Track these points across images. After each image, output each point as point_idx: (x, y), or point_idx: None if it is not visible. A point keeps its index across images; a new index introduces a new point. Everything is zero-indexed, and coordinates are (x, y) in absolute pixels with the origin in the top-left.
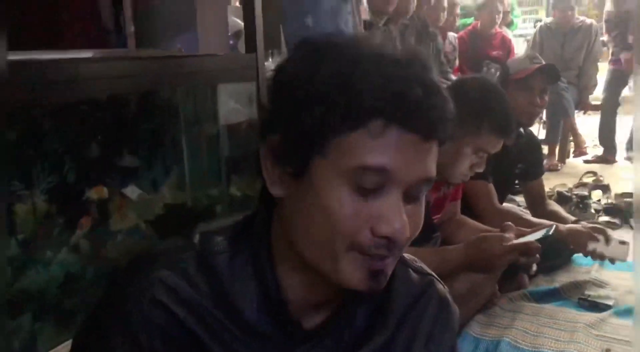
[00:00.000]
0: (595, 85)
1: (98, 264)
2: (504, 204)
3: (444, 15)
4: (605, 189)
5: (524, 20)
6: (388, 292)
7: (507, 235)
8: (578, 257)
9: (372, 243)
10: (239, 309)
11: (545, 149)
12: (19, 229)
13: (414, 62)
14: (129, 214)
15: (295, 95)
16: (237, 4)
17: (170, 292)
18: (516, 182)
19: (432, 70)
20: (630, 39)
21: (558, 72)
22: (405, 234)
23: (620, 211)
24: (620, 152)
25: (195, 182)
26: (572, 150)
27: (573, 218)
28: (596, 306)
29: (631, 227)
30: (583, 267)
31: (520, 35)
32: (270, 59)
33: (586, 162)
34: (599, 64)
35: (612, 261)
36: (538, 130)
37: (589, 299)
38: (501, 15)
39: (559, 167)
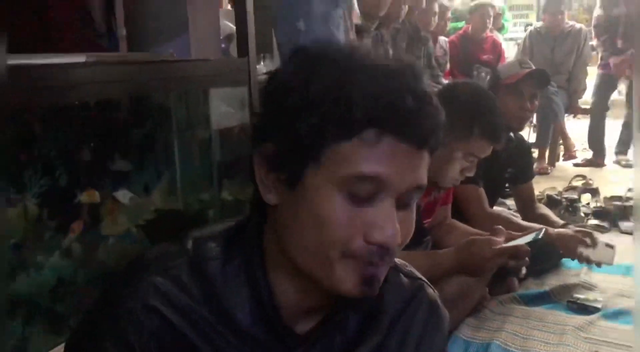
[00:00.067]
0: (584, 89)
1: (90, 268)
2: (494, 208)
3: (435, 20)
4: (594, 192)
5: (515, 24)
6: (379, 297)
7: (496, 239)
8: (567, 260)
9: (365, 250)
10: (232, 315)
11: (535, 153)
12: (10, 233)
13: (406, 72)
14: (120, 219)
15: (290, 104)
16: (229, 7)
17: (164, 298)
18: (506, 185)
19: (423, 80)
20: (619, 43)
21: (548, 77)
22: (397, 240)
23: (609, 214)
24: (609, 156)
25: (187, 186)
26: (562, 153)
27: (562, 222)
28: (585, 309)
29: (620, 231)
30: (572, 270)
31: (511, 39)
32: (262, 63)
33: (576, 165)
34: (588, 68)
35: (599, 264)
36: (528, 134)
37: (578, 302)
38: (492, 19)
39: (549, 171)
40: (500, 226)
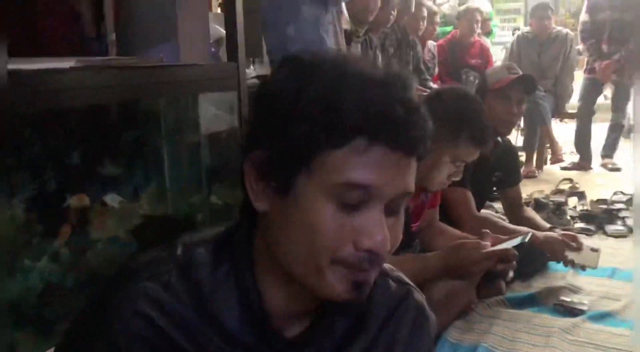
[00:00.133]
0: (571, 93)
1: (78, 272)
2: (482, 211)
3: (423, 24)
4: (581, 195)
5: (502, 28)
6: (367, 302)
7: (484, 242)
8: (554, 263)
9: (355, 256)
10: (221, 320)
11: (523, 156)
12: None
13: (396, 82)
14: (109, 223)
15: (281, 112)
16: (219, 10)
17: (154, 304)
18: (494, 189)
19: (412, 89)
20: (604, 48)
21: (535, 82)
22: (386, 246)
23: (595, 218)
24: (596, 160)
25: (176, 190)
26: (549, 157)
27: (548, 225)
28: (571, 311)
29: (606, 234)
30: (559, 273)
31: (499, 43)
32: (251, 67)
33: (563, 169)
34: (575, 72)
35: (583, 267)
36: (516, 137)
37: (564, 304)
38: (480, 24)
39: (537, 174)
40: (487, 230)
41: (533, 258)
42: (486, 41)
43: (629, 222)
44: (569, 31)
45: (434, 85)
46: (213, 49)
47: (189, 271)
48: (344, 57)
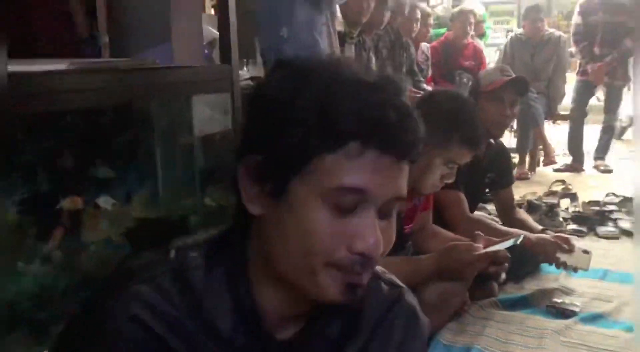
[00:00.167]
0: (563, 95)
1: (71, 275)
2: (475, 213)
3: (417, 26)
4: (573, 197)
5: (496, 30)
6: (360, 304)
7: (476, 244)
8: (546, 265)
9: (348, 259)
10: (215, 323)
11: (516, 158)
12: None
13: (388, 87)
14: (102, 225)
15: (276, 117)
16: (212, 11)
17: (147, 308)
18: (487, 190)
19: (404, 94)
20: (597, 50)
21: (528, 84)
22: (379, 249)
23: (587, 219)
24: (588, 161)
25: (169, 192)
26: (542, 159)
27: (540, 227)
28: (563, 313)
29: (597, 235)
30: (551, 274)
31: (492, 45)
32: (245, 68)
33: (556, 170)
34: (568, 74)
35: (575, 269)
36: (509, 139)
37: (557, 306)
38: (473, 26)
39: (529, 176)
40: (480, 232)
41: (525, 260)
42: (479, 43)
43: (621, 223)
44: (562, 33)
45: (428, 87)
46: (206, 51)
47: (182, 274)
48: (337, 62)
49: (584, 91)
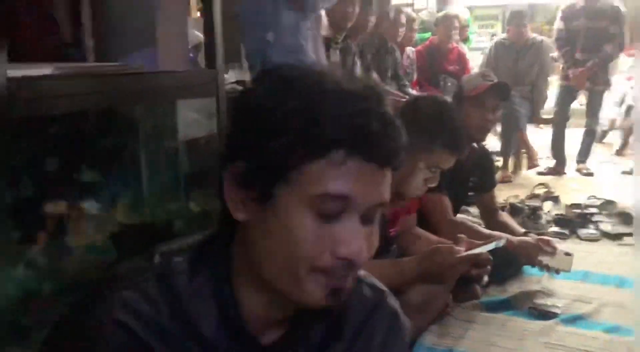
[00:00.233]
0: (545, 99)
1: (55, 280)
2: (459, 216)
3: (402, 31)
4: (556, 200)
5: (480, 34)
6: (343, 308)
7: (458, 247)
8: (528, 267)
9: (333, 265)
10: (199, 328)
11: (499, 161)
12: None
13: (371, 96)
14: (86, 230)
15: (261, 125)
16: (198, 14)
17: (132, 313)
18: (470, 194)
19: (387, 102)
20: (578, 55)
21: (509, 89)
22: (363, 255)
23: (570, 222)
24: (571, 164)
25: (154, 197)
26: (526, 162)
27: (523, 230)
28: (545, 315)
29: (579, 238)
30: (534, 277)
31: (477, 49)
32: (230, 72)
33: (539, 174)
34: (551, 78)
35: (557, 271)
36: (494, 142)
37: (538, 308)
38: (457, 31)
39: (512, 179)
40: (462, 235)
41: (508, 263)
42: (463, 48)
43: (602, 226)
44: (545, 38)
45: (413, 91)
46: (192, 54)
47: (167, 279)
48: (321, 71)
49: (566, 96)
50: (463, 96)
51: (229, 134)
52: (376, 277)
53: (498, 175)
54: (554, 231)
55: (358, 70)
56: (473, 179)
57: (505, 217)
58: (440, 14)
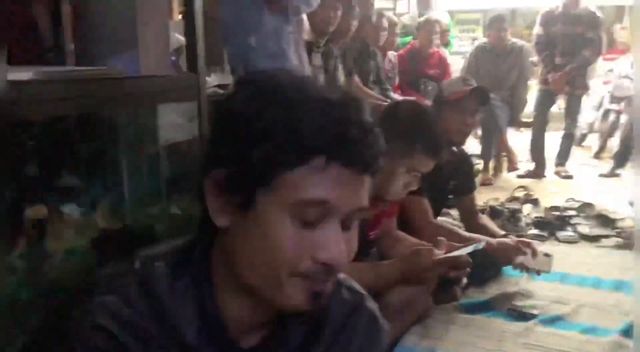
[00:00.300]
0: (525, 103)
1: (35, 285)
2: (439, 218)
3: (384, 35)
4: (535, 203)
5: (461, 38)
6: (322, 311)
7: (437, 250)
8: (508, 269)
9: (313, 269)
10: (180, 332)
11: (480, 165)
12: None
13: (350, 104)
14: (67, 234)
15: (243, 133)
16: (180, 17)
17: (113, 317)
18: (450, 197)
19: (366, 110)
20: (558, 60)
21: (488, 94)
22: (343, 259)
23: (548, 224)
24: (550, 167)
25: (135, 201)
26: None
27: (502, 232)
28: (523, 316)
29: (558, 240)
30: (513, 278)
31: (458, 53)
32: (212, 75)
33: (519, 176)
34: (531, 83)
35: (538, 272)
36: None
37: (517, 309)
38: (438, 35)
39: (492, 182)
40: (442, 238)
41: (487, 265)
42: (444, 52)
43: (580, 228)
44: (524, 43)
45: (395, 95)
46: (173, 58)
47: (148, 284)
48: (301, 79)
49: (545, 99)
50: (443, 100)
51: (210, 140)
52: (356, 280)
53: (479, 178)
54: (533, 233)
55: (340, 74)
56: (453, 183)
57: (485, 219)
58: (422, 18)
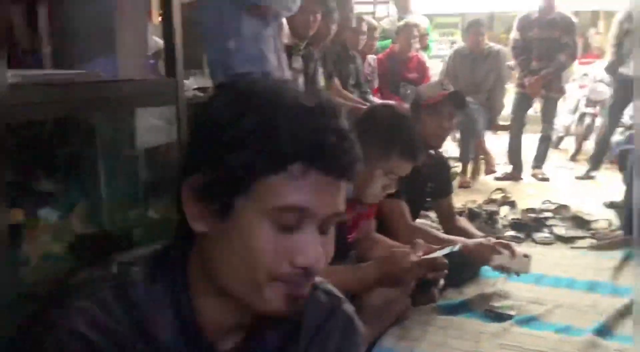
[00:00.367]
0: (502, 107)
1: (11, 290)
2: (417, 221)
3: (363, 39)
4: (512, 205)
5: (440, 42)
6: (299, 314)
7: (414, 252)
8: (486, 270)
9: (291, 273)
10: (157, 336)
11: (458, 167)
12: None
13: (327, 111)
14: (43, 238)
15: (221, 139)
16: (160, 19)
17: (89, 322)
18: (428, 199)
19: (342, 117)
20: (534, 64)
21: (465, 98)
22: (321, 263)
23: (525, 226)
24: (527, 170)
25: (113, 205)
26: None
27: (480, 234)
28: (500, 317)
29: (534, 241)
30: (490, 279)
31: (437, 56)
32: (191, 78)
33: (497, 179)
34: (508, 86)
35: (517, 273)
36: (453, 149)
37: (494, 310)
38: (417, 39)
39: (470, 185)
40: (419, 240)
41: (464, 266)
42: (423, 56)
43: (556, 230)
44: (501, 47)
45: (374, 99)
46: (152, 61)
47: (124, 289)
48: (279, 86)
49: (522, 103)
50: (420, 104)
51: (188, 146)
52: (335, 283)
53: (457, 180)
54: (510, 235)
55: (320, 77)
56: (430, 185)
57: (463, 222)
58: (401, 22)
